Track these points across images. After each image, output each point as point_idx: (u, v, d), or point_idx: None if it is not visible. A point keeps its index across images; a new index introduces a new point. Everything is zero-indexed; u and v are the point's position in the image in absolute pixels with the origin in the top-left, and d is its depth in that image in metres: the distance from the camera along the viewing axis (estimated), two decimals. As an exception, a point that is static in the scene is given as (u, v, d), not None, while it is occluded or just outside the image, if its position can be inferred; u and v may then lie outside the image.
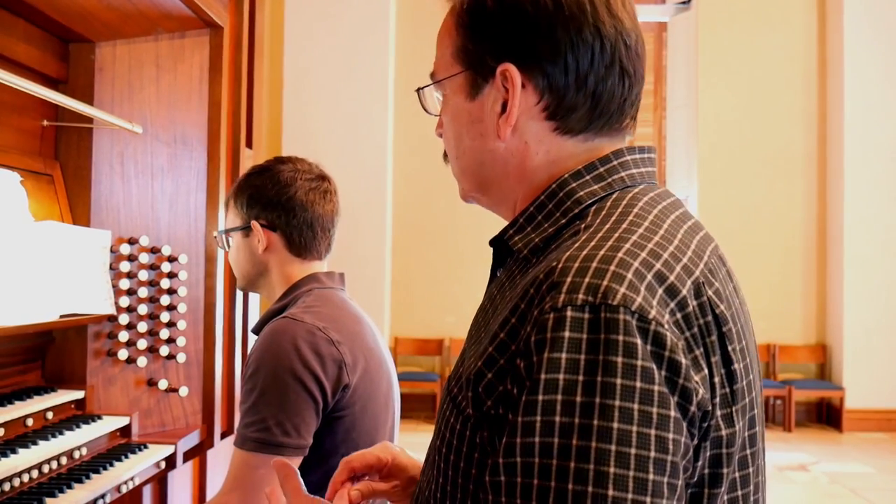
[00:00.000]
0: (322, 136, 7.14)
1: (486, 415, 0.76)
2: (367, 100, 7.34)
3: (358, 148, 7.24)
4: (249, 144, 2.73)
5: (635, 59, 0.88)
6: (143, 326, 2.30)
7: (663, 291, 0.73)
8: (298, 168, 1.78)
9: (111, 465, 1.99)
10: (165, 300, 2.37)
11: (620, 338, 0.69)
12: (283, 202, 1.74)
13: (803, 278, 7.74)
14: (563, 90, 0.86)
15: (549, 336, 0.71)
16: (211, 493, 2.71)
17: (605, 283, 0.71)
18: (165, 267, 2.37)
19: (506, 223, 0.93)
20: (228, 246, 1.83)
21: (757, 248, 7.59)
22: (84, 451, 1.99)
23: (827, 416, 7.60)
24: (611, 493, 0.66)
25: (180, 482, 2.58)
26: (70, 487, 1.80)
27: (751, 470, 0.81)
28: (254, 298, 2.72)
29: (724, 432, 0.75)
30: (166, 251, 2.38)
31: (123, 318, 2.29)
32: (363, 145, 7.30)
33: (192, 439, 2.36)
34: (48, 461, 1.84)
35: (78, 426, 2.04)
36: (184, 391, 2.36)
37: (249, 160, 2.66)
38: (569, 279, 0.73)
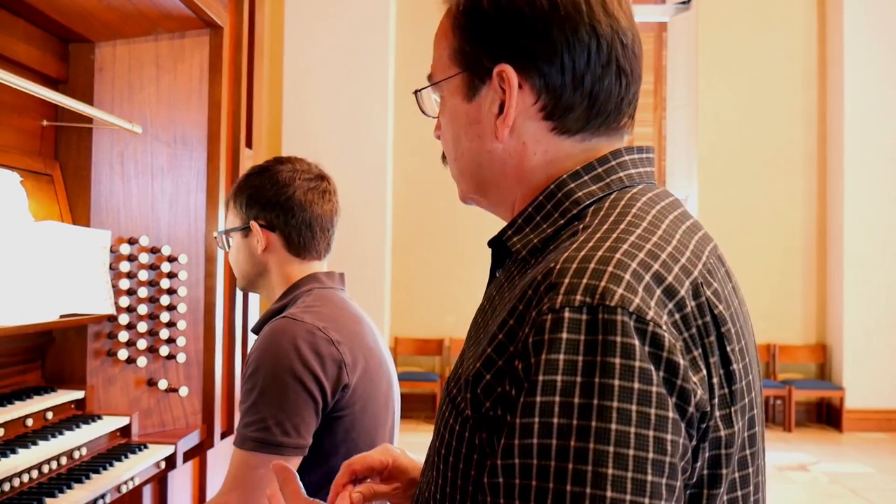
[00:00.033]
0: (322, 136, 7.14)
1: (485, 416, 0.76)
2: (367, 100, 7.34)
3: (358, 148, 7.24)
4: (249, 144, 2.73)
5: (632, 57, 0.88)
6: (143, 326, 2.30)
7: (661, 292, 0.73)
8: (297, 168, 1.78)
9: (111, 465, 1.99)
10: (165, 300, 2.37)
11: (618, 339, 0.69)
12: (281, 202, 1.74)
13: (803, 278, 7.74)
14: (560, 90, 0.86)
15: (546, 337, 0.71)
16: (211, 493, 2.71)
17: (602, 284, 0.71)
18: (165, 267, 2.37)
19: (505, 224, 0.93)
20: (228, 246, 1.84)
21: (757, 248, 7.59)
22: (84, 451, 1.99)
23: (827, 416, 7.60)
24: (609, 494, 0.66)
25: (180, 482, 2.58)
26: (70, 487, 1.80)
27: (750, 470, 0.81)
28: (254, 298, 2.72)
29: (722, 433, 0.75)
30: (166, 251, 2.38)
31: (123, 318, 2.29)
32: (363, 145, 7.30)
33: (192, 439, 2.37)
34: (48, 461, 1.84)
35: (78, 426, 2.04)
36: (184, 391, 2.36)
37: (249, 160, 2.66)
38: (566, 280, 0.73)
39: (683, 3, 7.93)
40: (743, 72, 7.70)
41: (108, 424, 2.15)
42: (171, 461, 2.25)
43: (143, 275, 2.34)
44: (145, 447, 2.17)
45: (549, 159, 0.90)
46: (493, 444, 0.75)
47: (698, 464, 0.74)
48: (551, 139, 0.89)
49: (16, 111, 2.15)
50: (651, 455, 0.68)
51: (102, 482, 1.88)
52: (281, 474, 1.03)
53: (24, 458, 1.76)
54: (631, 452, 0.67)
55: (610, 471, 0.66)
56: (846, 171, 7.35)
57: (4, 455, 1.73)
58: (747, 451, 0.80)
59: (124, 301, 2.29)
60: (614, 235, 0.78)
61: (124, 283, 2.30)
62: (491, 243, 0.94)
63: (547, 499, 0.67)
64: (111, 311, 2.24)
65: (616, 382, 0.68)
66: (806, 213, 7.75)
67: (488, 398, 0.76)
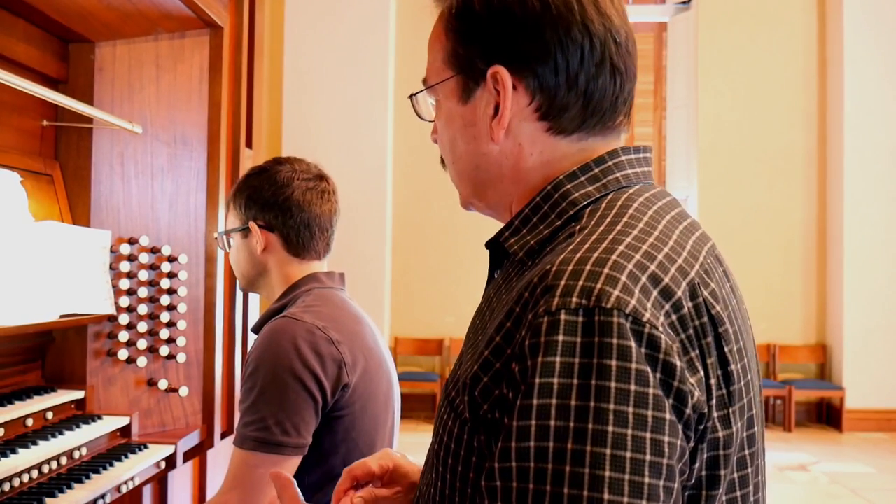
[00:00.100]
0: (322, 136, 7.14)
1: (483, 419, 0.76)
2: (367, 100, 7.34)
3: (358, 148, 7.24)
4: (249, 144, 2.74)
5: (626, 56, 0.88)
6: (143, 326, 2.30)
7: (658, 293, 0.73)
8: (296, 168, 1.78)
9: (111, 465, 1.99)
10: (165, 300, 2.37)
11: (614, 341, 0.69)
12: (279, 202, 1.74)
13: (803, 278, 7.74)
14: (555, 90, 0.86)
15: (543, 340, 0.70)
16: (211, 493, 2.71)
17: (598, 285, 0.71)
18: (165, 267, 2.38)
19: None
20: (229, 247, 1.84)
21: (756, 248, 7.59)
22: (84, 451, 2.00)
23: (827, 416, 7.60)
24: (606, 496, 0.66)
25: (180, 482, 2.59)
26: (70, 487, 1.80)
27: (750, 470, 0.80)
28: (254, 298, 2.72)
29: (720, 434, 0.75)
30: (166, 251, 2.38)
31: (123, 318, 2.29)
32: (363, 145, 7.30)
33: (192, 439, 2.37)
34: (48, 461, 1.84)
35: (78, 426, 2.05)
36: (184, 391, 2.37)
37: (249, 160, 2.66)
38: (563, 282, 0.73)
39: (683, 3, 7.93)
40: (743, 72, 7.69)
41: (108, 424, 2.15)
42: (171, 461, 2.25)
43: (143, 275, 2.34)
44: (145, 447, 2.17)
45: (545, 160, 0.90)
46: (491, 447, 0.75)
47: (696, 465, 0.74)
48: (547, 140, 0.89)
49: (16, 111, 2.15)
50: (648, 457, 0.67)
51: (102, 482, 1.88)
52: (279, 481, 1.03)
53: (24, 458, 1.76)
54: (628, 455, 0.67)
55: (607, 473, 0.66)
56: (846, 171, 7.35)
57: (4, 455, 1.73)
58: (746, 452, 0.80)
59: (124, 301, 2.29)
60: (610, 237, 0.77)
61: (124, 283, 2.30)
62: (488, 245, 0.94)
63: (544, 501, 0.67)
64: (111, 311, 2.24)
65: (612, 384, 0.68)
66: (805, 213, 7.75)
67: (486, 401, 0.76)
